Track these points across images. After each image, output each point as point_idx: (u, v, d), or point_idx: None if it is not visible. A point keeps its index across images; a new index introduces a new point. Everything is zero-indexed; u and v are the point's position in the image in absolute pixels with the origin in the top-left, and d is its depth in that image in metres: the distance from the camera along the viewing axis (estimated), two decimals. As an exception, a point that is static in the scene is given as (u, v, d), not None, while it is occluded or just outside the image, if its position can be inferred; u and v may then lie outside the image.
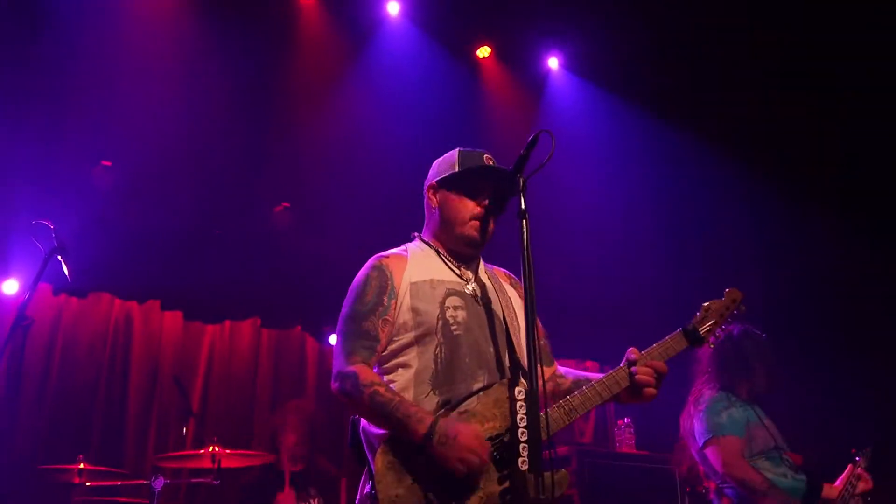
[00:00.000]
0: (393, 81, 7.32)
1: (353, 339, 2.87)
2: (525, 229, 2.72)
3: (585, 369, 8.40)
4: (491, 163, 3.12)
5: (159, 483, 4.76)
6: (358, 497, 2.94)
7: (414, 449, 2.68)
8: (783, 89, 7.30)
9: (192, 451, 5.22)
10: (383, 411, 2.71)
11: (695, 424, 4.47)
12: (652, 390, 2.92)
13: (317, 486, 5.63)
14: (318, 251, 7.11)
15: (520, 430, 2.72)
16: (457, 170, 3.10)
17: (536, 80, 8.12)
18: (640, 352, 2.99)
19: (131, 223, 6.54)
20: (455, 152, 3.16)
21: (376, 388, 2.74)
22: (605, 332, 8.04)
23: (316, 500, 5.56)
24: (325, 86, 7.19)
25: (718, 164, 7.38)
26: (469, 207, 3.06)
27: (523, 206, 2.74)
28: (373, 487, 2.69)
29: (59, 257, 4.49)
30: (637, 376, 2.90)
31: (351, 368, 2.80)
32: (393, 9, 7.31)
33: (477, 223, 3.05)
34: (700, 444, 4.41)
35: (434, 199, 3.15)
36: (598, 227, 7.79)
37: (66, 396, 6.30)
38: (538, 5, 7.36)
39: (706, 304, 3.26)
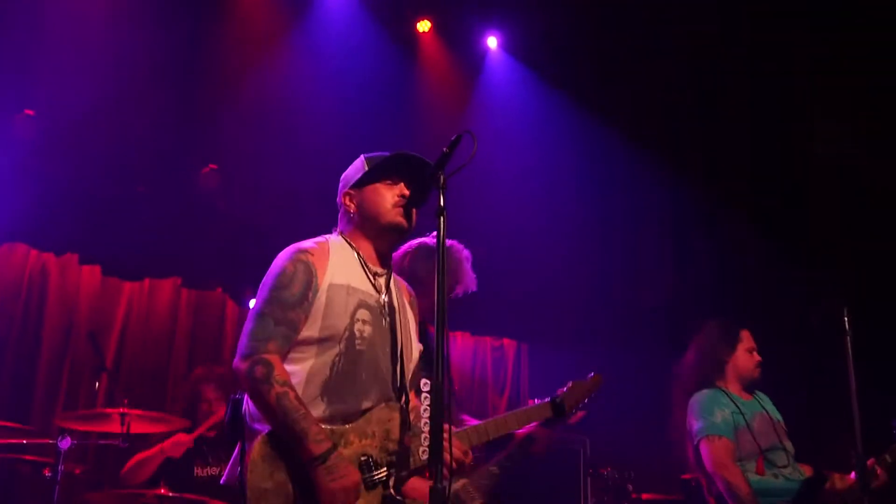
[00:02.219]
0: (330, 49, 7.30)
1: (276, 326, 2.86)
2: (442, 227, 2.75)
3: (501, 346, 8.64)
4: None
5: (66, 443, 4.72)
6: (225, 475, 3.02)
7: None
8: (721, 95, 7.46)
9: (101, 410, 5.16)
10: (285, 417, 2.73)
11: (689, 421, 4.57)
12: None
13: (226, 450, 5.64)
14: (242, 214, 7.08)
15: (423, 421, 2.84)
16: (366, 169, 3.13)
17: (474, 59, 8.17)
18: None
19: (53, 174, 6.41)
20: (360, 158, 3.20)
21: (288, 390, 2.76)
22: (523, 312, 8.20)
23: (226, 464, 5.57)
24: (260, 50, 7.13)
25: (642, 160, 7.55)
26: (387, 196, 3.09)
27: (442, 204, 2.77)
28: (242, 475, 2.73)
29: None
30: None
31: (266, 356, 2.80)
32: (334, -24, 7.28)
33: (400, 209, 3.08)
34: (695, 442, 4.50)
35: (352, 205, 3.15)
36: (520, 209, 7.91)
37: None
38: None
39: (573, 382, 3.72)
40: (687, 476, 5.45)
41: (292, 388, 2.78)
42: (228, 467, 3.01)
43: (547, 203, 8.00)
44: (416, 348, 3.17)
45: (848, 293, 4.50)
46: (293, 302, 2.89)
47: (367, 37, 7.42)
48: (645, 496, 6.26)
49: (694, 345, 4.84)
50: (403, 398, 2.99)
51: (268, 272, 3.00)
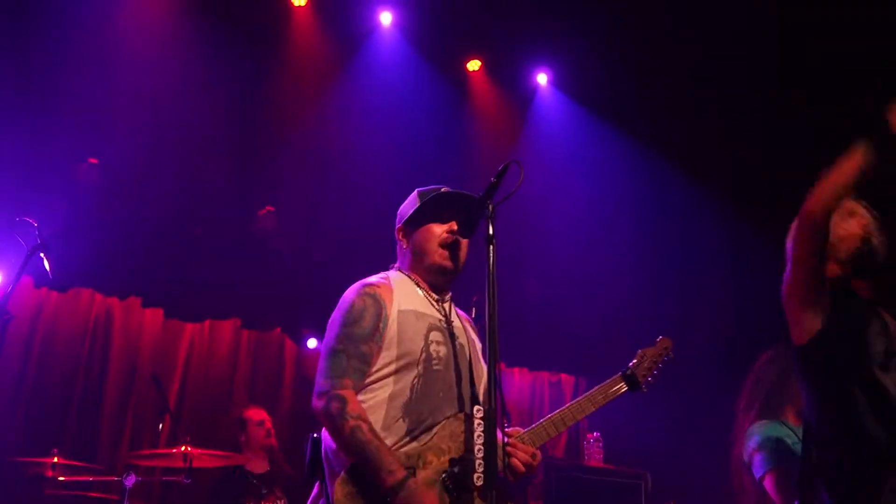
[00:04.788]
0: (383, 90, 7.41)
1: (348, 360, 2.91)
2: (492, 255, 2.79)
3: (559, 382, 8.59)
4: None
5: (131, 480, 4.83)
6: None
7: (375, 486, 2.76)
8: (780, 126, 7.37)
9: (164, 450, 5.27)
10: (360, 450, 2.77)
11: (753, 457, 4.47)
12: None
13: (281, 486, 5.71)
14: (300, 255, 7.20)
15: (476, 448, 2.83)
16: (418, 205, 3.21)
17: (524, 95, 8.23)
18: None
19: (116, 220, 6.59)
20: (414, 193, 3.28)
21: (361, 423, 2.80)
22: (580, 347, 8.15)
23: (282, 501, 5.63)
24: (315, 91, 7.27)
25: (698, 192, 7.50)
26: (436, 234, 3.16)
27: (491, 232, 2.81)
28: None
29: (42, 254, 4.57)
30: (511, 460, 2.97)
31: (340, 392, 2.85)
32: (385, 18, 7.41)
33: (446, 252, 3.15)
34: (758, 476, 4.42)
35: (405, 241, 3.26)
36: (575, 245, 7.90)
37: (44, 390, 6.31)
38: (530, 21, 7.46)
39: (641, 350, 3.52)
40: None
41: (366, 420, 2.82)
42: None
43: (602, 237, 7.98)
44: (484, 367, 3.19)
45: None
46: (365, 336, 2.95)
47: (418, 77, 7.52)
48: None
49: (754, 374, 4.74)
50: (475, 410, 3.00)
51: (336, 308, 3.06)
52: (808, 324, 3.35)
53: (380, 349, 2.96)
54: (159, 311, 7.04)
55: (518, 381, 8.51)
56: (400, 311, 3.03)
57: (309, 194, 7.25)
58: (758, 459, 4.37)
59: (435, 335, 3.05)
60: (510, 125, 8.19)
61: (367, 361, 2.93)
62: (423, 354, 2.98)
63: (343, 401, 2.82)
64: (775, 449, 4.32)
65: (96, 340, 6.68)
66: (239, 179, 7.02)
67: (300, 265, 7.10)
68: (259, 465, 5.82)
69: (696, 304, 7.89)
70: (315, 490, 3.00)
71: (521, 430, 3.08)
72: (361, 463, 2.77)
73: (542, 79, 8.20)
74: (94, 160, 6.46)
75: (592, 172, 7.95)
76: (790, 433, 4.37)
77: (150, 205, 6.67)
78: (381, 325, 2.98)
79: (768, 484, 4.31)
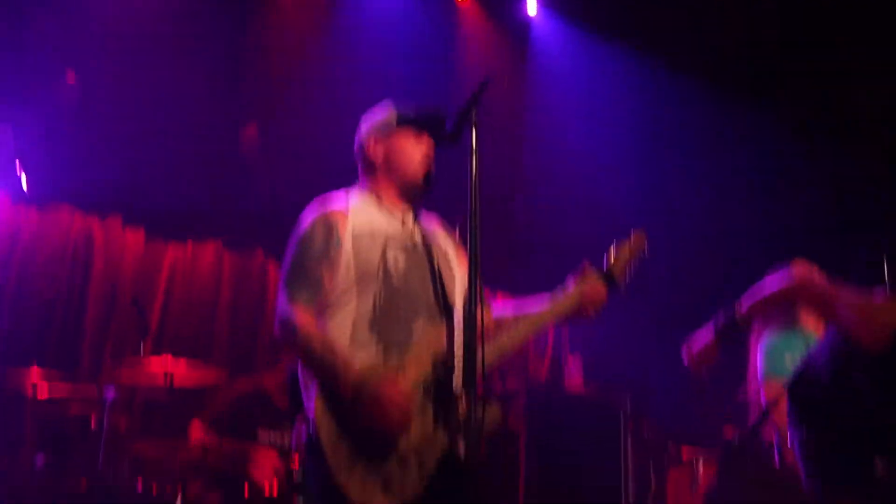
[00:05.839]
0: (374, 16, 7.31)
1: (297, 283, 2.93)
2: (474, 168, 2.74)
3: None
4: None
5: (110, 394, 4.83)
6: (294, 442, 3.08)
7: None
8: (783, 30, 7.17)
9: (145, 359, 5.24)
10: (316, 360, 2.82)
11: (758, 361, 4.45)
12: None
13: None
14: (284, 176, 7.10)
15: (455, 354, 2.86)
16: (396, 119, 3.20)
17: (521, 26, 8.12)
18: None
19: (96, 135, 6.48)
20: (389, 105, 3.26)
21: (311, 336, 2.83)
22: (568, 273, 8.11)
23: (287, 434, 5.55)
24: (304, 12, 7.15)
25: (705, 102, 7.33)
26: (418, 151, 3.16)
27: (474, 145, 2.76)
28: (314, 432, 2.77)
29: (17, 162, 4.49)
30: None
31: (292, 315, 2.88)
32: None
33: (426, 169, 3.16)
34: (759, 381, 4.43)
35: (378, 153, 3.20)
36: (572, 165, 7.81)
37: (23, 311, 6.24)
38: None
39: (614, 247, 3.42)
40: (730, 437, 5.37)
41: (317, 334, 2.85)
42: (294, 436, 3.09)
43: (601, 158, 7.86)
44: (457, 269, 3.20)
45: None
46: (315, 257, 2.96)
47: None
48: (685, 449, 6.17)
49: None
50: (449, 317, 3.03)
51: (292, 234, 3.08)
52: None
53: (332, 269, 2.96)
54: (140, 231, 6.94)
55: (500, 306, 8.49)
56: (354, 229, 3.03)
57: (294, 115, 7.14)
58: (759, 366, 4.39)
59: (392, 247, 3.04)
60: (506, 52, 8.11)
61: (317, 282, 2.93)
62: (380, 269, 2.98)
63: (293, 322, 2.86)
64: (776, 360, 4.33)
65: (77, 260, 6.58)
66: (224, 96, 6.92)
67: (284, 186, 7.00)
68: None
69: (690, 228, 7.79)
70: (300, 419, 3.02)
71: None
72: (321, 373, 2.81)
73: (531, 7, 8.07)
74: (72, 71, 6.32)
75: (595, 92, 7.83)
76: (801, 345, 4.29)
77: (131, 119, 6.55)
78: (330, 248, 2.97)
79: (763, 391, 4.35)
